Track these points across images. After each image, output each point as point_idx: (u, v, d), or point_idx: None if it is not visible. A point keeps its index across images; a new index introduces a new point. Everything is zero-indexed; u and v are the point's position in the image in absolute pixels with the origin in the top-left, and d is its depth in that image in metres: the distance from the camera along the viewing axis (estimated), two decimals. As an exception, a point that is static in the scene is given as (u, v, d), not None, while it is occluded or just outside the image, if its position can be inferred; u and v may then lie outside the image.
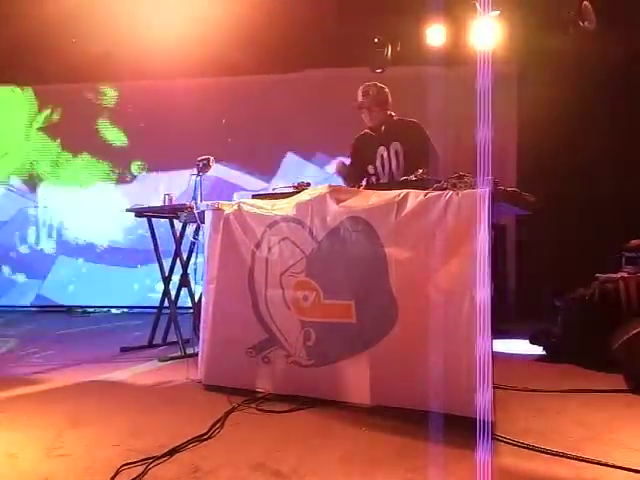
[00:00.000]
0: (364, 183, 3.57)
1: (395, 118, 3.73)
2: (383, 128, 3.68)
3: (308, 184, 3.19)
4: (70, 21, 5.76)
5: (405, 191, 2.62)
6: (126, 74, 6.90)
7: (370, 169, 3.66)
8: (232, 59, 6.55)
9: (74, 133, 7.35)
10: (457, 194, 2.47)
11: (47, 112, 7.44)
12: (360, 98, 3.69)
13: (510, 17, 5.42)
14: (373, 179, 3.69)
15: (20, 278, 7.42)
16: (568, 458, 2.04)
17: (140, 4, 5.59)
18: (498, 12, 5.35)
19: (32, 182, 7.46)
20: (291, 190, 3.17)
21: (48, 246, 7.41)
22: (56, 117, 7.43)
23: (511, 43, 5.58)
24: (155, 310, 4.46)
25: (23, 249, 7.44)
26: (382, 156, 3.62)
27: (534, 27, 5.45)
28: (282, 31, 5.94)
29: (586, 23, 5.00)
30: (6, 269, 7.43)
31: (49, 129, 7.44)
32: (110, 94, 7.37)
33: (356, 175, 3.74)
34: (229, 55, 6.49)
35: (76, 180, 7.38)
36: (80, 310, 7.06)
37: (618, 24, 5.19)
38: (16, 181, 7.48)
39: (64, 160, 7.41)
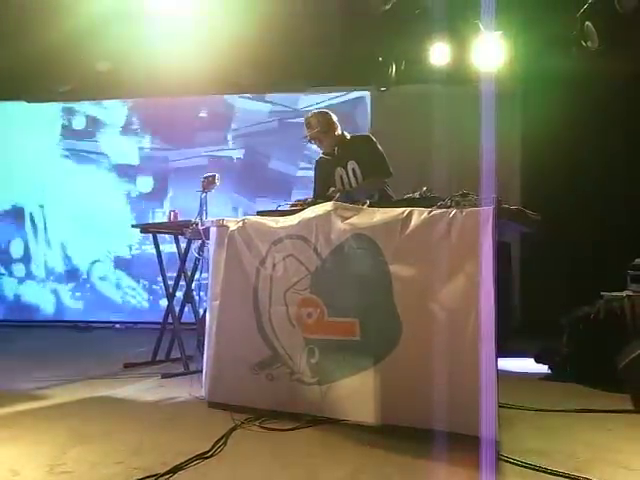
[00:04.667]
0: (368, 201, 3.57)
1: (348, 137, 3.75)
2: (336, 150, 3.70)
3: (312, 202, 3.20)
4: (78, 39, 5.85)
5: (409, 209, 2.63)
6: (134, 91, 6.99)
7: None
8: (237, 77, 6.63)
9: (83, 149, 7.44)
10: (461, 212, 2.48)
11: (55, 128, 7.54)
12: (305, 132, 3.76)
13: (513, 37, 5.48)
14: None
15: (25, 293, 7.45)
16: (574, 479, 2.01)
17: (147, 21, 5.68)
18: (501, 32, 5.42)
19: (38, 198, 7.52)
20: (296, 207, 3.18)
21: (55, 262, 7.46)
22: (65, 133, 7.52)
23: (514, 62, 5.64)
24: (159, 326, 4.46)
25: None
26: (341, 177, 3.65)
27: (537, 47, 5.51)
28: (287, 50, 6.01)
29: (589, 43, 5.05)
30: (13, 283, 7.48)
31: (59, 144, 7.53)
32: (118, 110, 7.46)
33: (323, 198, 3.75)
34: (235, 73, 6.57)
35: (84, 196, 7.44)
36: (84, 326, 7.06)
37: (620, 44, 5.24)
38: (22, 196, 7.54)
39: (72, 175, 7.48)
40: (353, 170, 3.60)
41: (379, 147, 3.63)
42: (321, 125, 3.68)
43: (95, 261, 7.37)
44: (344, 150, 3.68)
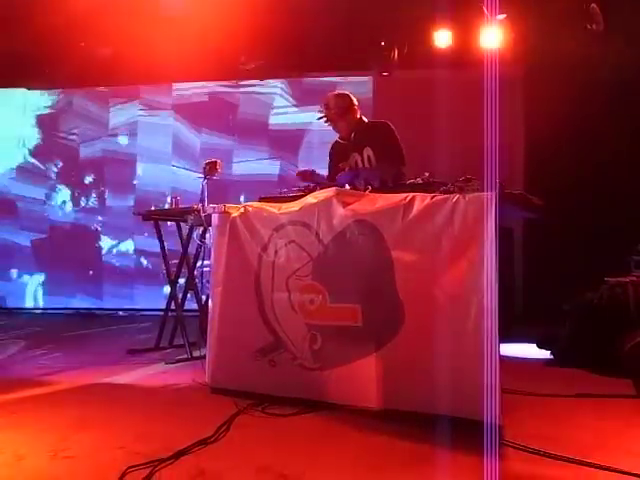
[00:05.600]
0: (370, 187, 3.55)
1: (366, 122, 3.68)
2: (353, 135, 3.62)
3: (315, 187, 3.18)
4: (79, 25, 5.80)
5: (412, 194, 2.61)
6: (133, 77, 6.95)
7: None
8: (238, 63, 6.58)
9: (83, 135, 7.42)
10: (464, 197, 2.46)
11: (57, 114, 7.51)
12: (323, 112, 3.69)
13: (517, 20, 5.42)
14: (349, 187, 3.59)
15: (27, 279, 7.47)
16: (576, 464, 2.02)
17: (147, 7, 5.62)
18: (505, 15, 5.35)
19: (41, 183, 7.51)
20: (298, 193, 3.16)
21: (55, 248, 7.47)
22: (65, 119, 7.49)
23: (518, 46, 5.58)
24: (162, 313, 4.47)
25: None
26: (357, 162, 3.59)
27: (541, 30, 5.45)
28: (288, 35, 5.95)
29: (593, 25, 4.99)
30: (14, 270, 7.49)
31: (58, 129, 7.50)
32: (117, 96, 7.42)
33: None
34: (235, 59, 6.52)
35: (85, 181, 7.42)
36: (87, 312, 7.08)
37: (625, 26, 5.17)
38: (24, 183, 7.52)
39: (73, 162, 7.46)
40: (368, 157, 3.54)
41: (396, 135, 3.57)
42: (338, 107, 3.61)
43: (98, 248, 7.37)
44: (361, 136, 3.61)
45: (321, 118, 3.70)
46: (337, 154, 3.73)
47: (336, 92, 3.73)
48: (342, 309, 2.69)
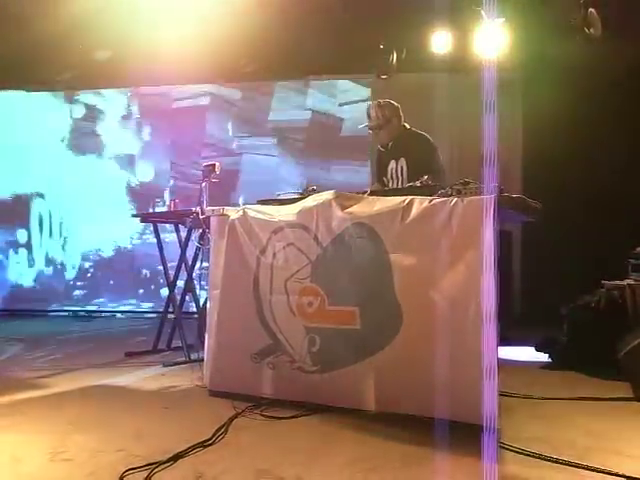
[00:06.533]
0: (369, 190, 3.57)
1: (408, 130, 3.70)
2: (390, 144, 3.70)
3: (313, 189, 3.19)
4: (78, 27, 5.81)
5: (410, 197, 2.62)
6: (133, 79, 6.96)
7: (385, 181, 3.73)
8: (237, 65, 6.59)
9: (83, 137, 7.42)
10: (462, 200, 2.47)
11: (56, 117, 7.50)
12: (366, 121, 3.74)
13: (515, 24, 5.43)
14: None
15: (26, 282, 7.46)
16: (574, 467, 2.03)
17: (147, 10, 5.63)
18: (503, 19, 5.36)
19: (39, 185, 7.50)
20: (297, 196, 3.17)
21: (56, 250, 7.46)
22: (64, 122, 7.49)
23: (516, 50, 5.59)
24: (160, 315, 4.47)
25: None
26: (391, 170, 3.66)
27: (539, 34, 5.46)
28: (287, 37, 5.97)
29: (591, 30, 5.00)
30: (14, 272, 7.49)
31: (58, 134, 7.50)
32: (118, 100, 7.43)
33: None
34: (234, 61, 6.53)
35: (83, 185, 7.42)
36: (85, 314, 7.08)
37: (624, 31, 5.19)
38: (23, 184, 7.52)
39: (72, 164, 7.46)
40: (402, 168, 3.60)
41: (431, 148, 3.58)
42: (379, 118, 3.65)
43: (96, 250, 7.37)
44: (398, 145, 3.66)
45: (365, 126, 3.76)
46: (377, 162, 3.84)
47: (379, 102, 3.72)
48: (340, 312, 2.69)
